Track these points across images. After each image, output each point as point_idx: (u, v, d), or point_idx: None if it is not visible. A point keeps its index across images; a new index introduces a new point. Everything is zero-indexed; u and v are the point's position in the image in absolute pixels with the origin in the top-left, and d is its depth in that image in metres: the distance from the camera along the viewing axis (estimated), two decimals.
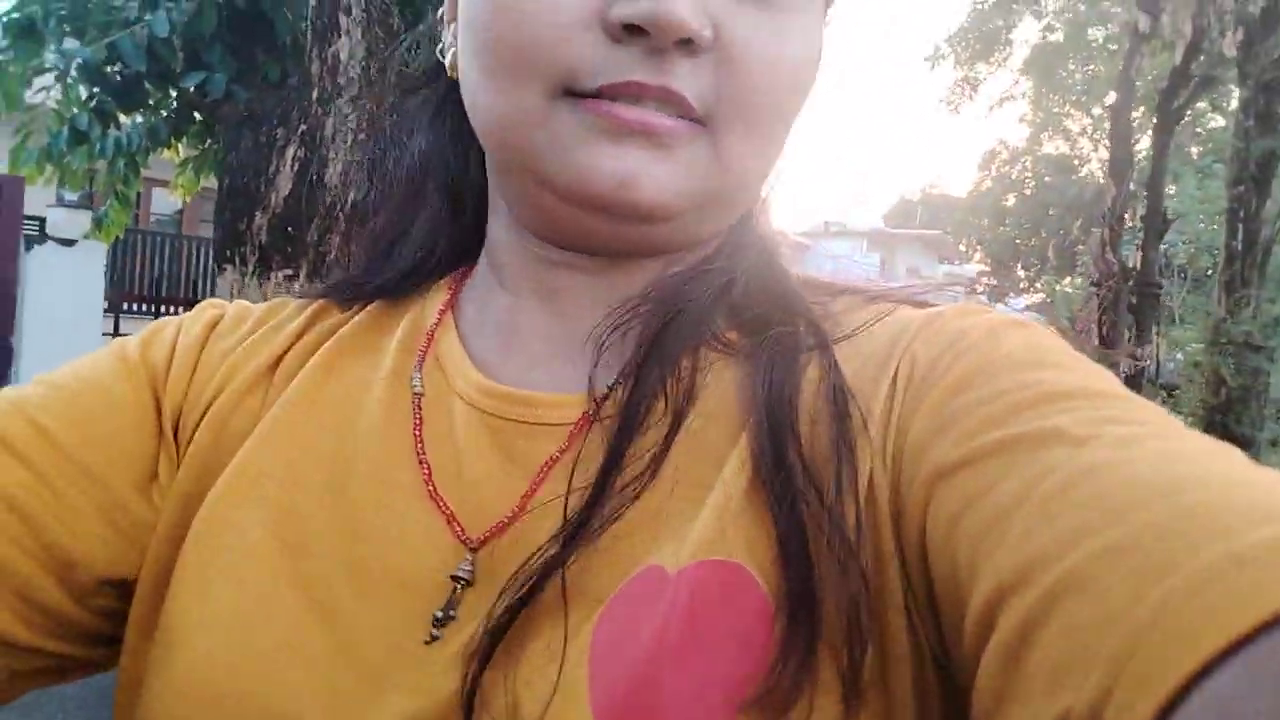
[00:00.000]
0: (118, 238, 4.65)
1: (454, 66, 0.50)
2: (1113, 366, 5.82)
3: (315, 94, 2.97)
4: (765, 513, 0.39)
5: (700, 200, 0.44)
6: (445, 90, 0.54)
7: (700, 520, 0.40)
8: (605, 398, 0.45)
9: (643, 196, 0.42)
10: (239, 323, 0.54)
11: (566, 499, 0.41)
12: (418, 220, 0.55)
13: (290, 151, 3.03)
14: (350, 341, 0.52)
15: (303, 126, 2.99)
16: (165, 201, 10.75)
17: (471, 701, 0.38)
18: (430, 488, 0.45)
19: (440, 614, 0.41)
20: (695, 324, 0.46)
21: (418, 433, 0.47)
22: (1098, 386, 0.36)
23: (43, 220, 7.86)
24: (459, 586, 0.42)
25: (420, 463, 0.46)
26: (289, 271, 3.06)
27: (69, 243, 7.33)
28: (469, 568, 0.43)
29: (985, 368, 0.39)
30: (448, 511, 0.44)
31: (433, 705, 0.39)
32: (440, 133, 0.55)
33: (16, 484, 0.44)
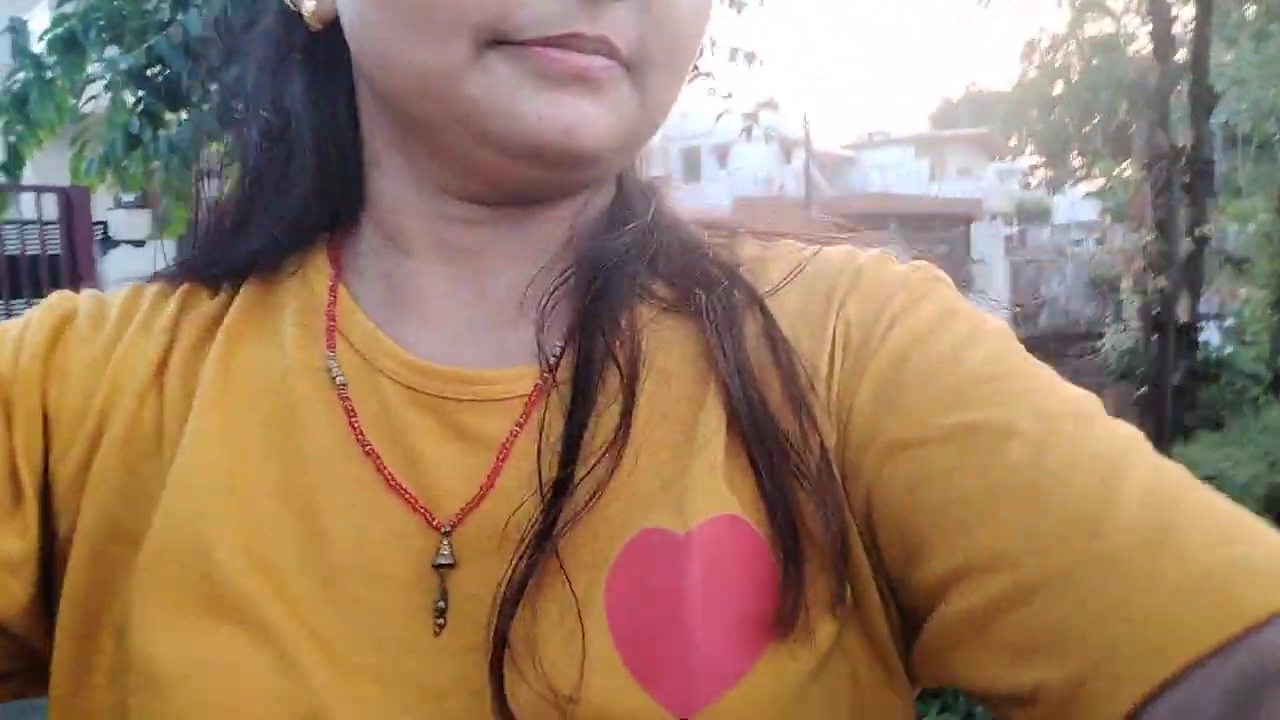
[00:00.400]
0: (180, 234, 4.83)
1: (319, 16, 0.47)
2: (1172, 247, 5.71)
3: None
4: (745, 465, 0.43)
5: (630, 136, 0.45)
6: (302, 42, 0.50)
7: (694, 481, 0.42)
8: (554, 367, 0.45)
9: (586, 142, 0.42)
10: (98, 320, 0.50)
11: (540, 473, 0.42)
12: (283, 183, 0.50)
13: None
14: (241, 330, 0.49)
15: None
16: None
17: (502, 691, 0.39)
18: (386, 477, 0.44)
19: (442, 604, 0.42)
20: (626, 282, 0.47)
21: (354, 422, 0.45)
22: (1014, 361, 0.42)
23: (104, 224, 8.12)
24: (442, 574, 0.42)
25: (366, 453, 0.44)
26: None
27: (139, 243, 7.58)
28: (448, 553, 0.42)
29: (918, 338, 0.43)
30: (410, 498, 0.44)
31: (454, 695, 0.40)
32: (304, 88, 0.50)
33: None
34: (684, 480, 0.42)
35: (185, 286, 0.51)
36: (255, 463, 0.45)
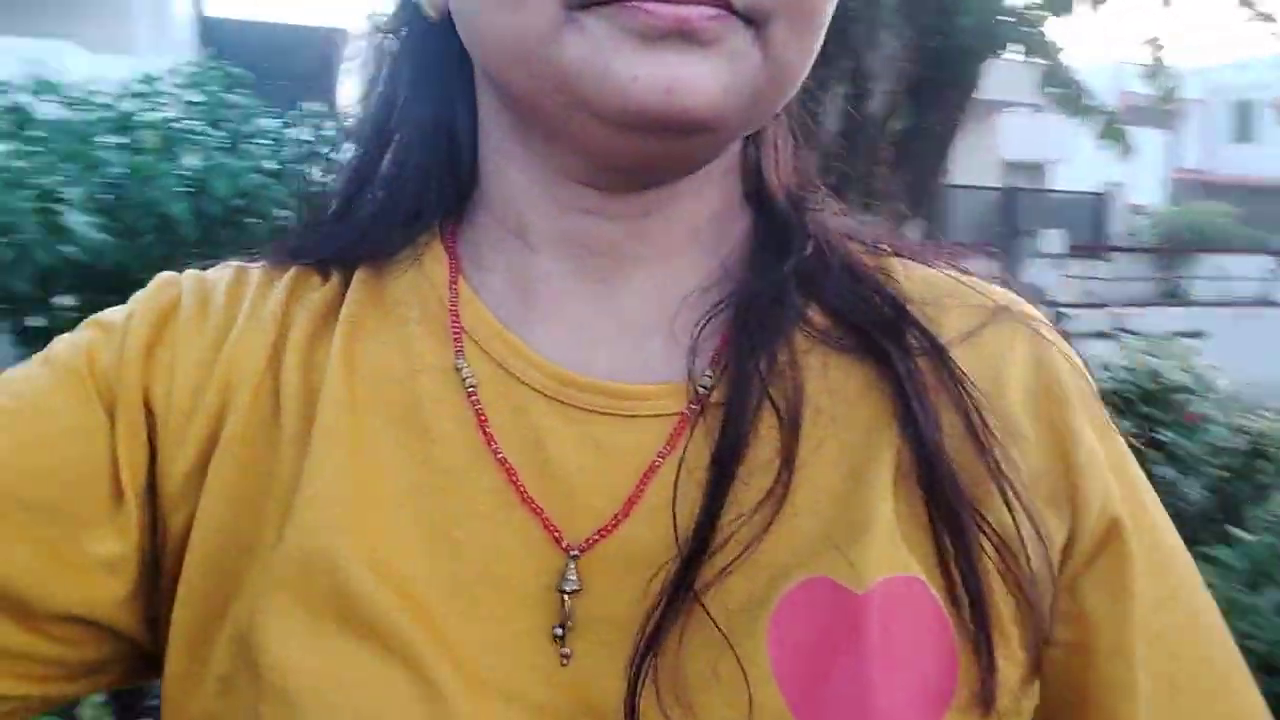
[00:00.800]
0: None
1: (435, 7, 0.46)
2: None
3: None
4: (924, 524, 0.42)
5: (749, 98, 0.40)
6: (420, 33, 0.49)
7: (868, 536, 0.40)
8: (706, 397, 0.44)
9: (690, 103, 0.38)
10: (203, 308, 0.48)
11: (674, 511, 0.41)
12: (399, 174, 0.50)
13: (838, 90, 3.17)
14: (361, 324, 0.47)
15: (847, 63, 3.11)
16: None
17: None
18: (519, 488, 0.43)
19: (560, 631, 0.41)
20: (784, 308, 0.45)
21: (485, 428, 0.44)
22: (1183, 580, 0.46)
23: None
24: (566, 599, 0.41)
25: (498, 461, 0.43)
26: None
27: None
28: (574, 579, 0.41)
29: (1122, 496, 0.45)
30: (542, 515, 0.42)
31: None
32: (421, 81, 0.50)
33: None
34: (854, 533, 0.41)
35: (292, 271, 0.50)
36: (383, 468, 0.43)
